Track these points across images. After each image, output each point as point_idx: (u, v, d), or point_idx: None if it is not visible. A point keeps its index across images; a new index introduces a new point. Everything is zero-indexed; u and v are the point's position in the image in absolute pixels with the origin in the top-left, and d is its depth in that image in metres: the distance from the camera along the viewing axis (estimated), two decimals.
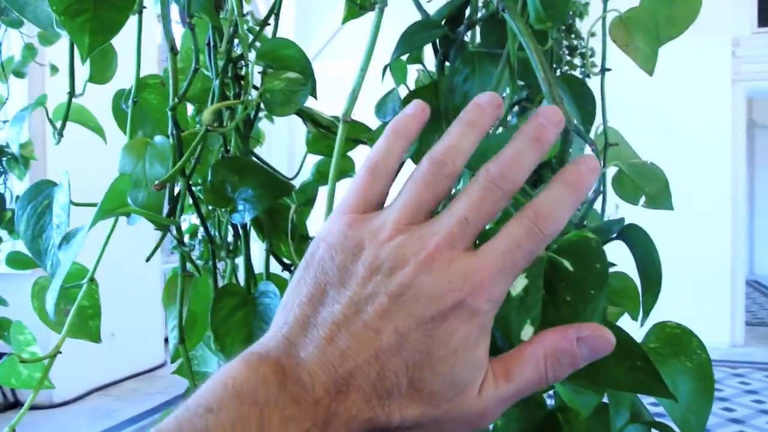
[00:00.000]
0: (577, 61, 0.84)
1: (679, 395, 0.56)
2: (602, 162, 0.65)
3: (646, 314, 0.52)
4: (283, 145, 5.07)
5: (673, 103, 5.00)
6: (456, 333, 0.29)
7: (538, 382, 0.32)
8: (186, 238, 2.03)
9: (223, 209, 0.53)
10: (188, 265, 0.63)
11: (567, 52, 0.86)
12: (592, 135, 0.67)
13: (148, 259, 0.54)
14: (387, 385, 0.29)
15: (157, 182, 0.49)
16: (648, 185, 0.64)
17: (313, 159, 0.76)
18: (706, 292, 4.88)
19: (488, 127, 0.35)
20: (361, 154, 0.76)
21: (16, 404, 3.95)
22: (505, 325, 0.35)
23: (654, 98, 4.89)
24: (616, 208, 0.71)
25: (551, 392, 0.81)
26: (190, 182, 0.58)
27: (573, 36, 0.94)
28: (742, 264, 5.28)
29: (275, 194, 0.53)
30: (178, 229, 0.54)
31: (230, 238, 0.66)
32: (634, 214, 0.62)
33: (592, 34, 0.74)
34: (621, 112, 0.70)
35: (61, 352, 0.62)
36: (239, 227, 0.61)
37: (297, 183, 0.74)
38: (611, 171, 0.67)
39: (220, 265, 0.67)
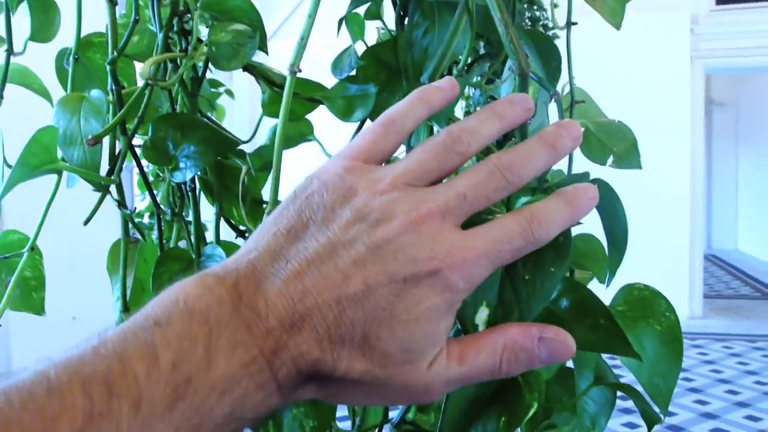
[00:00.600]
0: (539, 14, 0.82)
1: (647, 359, 0.55)
2: (569, 117, 0.63)
3: (612, 273, 0.50)
4: (244, 123, 4.98)
5: (631, 81, 5.05)
6: (424, 301, 0.29)
7: (491, 371, 0.32)
8: (146, 218, 1.98)
9: (164, 167, 0.50)
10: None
11: (528, 5, 0.83)
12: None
13: (86, 222, 0.51)
14: (341, 332, 0.28)
15: (90, 137, 0.46)
16: (616, 144, 0.62)
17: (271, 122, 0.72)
18: (665, 266, 4.97)
19: (514, 123, 0.35)
20: (319, 117, 0.73)
21: None
22: (462, 305, 0.33)
23: (612, 77, 4.93)
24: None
25: None
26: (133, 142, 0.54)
27: None
28: (700, 239, 5.39)
29: (219, 150, 0.50)
30: (119, 189, 0.50)
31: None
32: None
33: None
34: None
35: (0, 325, 0.58)
36: (187, 190, 0.57)
37: (252, 147, 0.71)
38: None
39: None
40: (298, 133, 0.71)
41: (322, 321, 0.28)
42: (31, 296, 0.62)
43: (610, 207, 0.48)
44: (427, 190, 0.31)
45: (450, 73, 0.65)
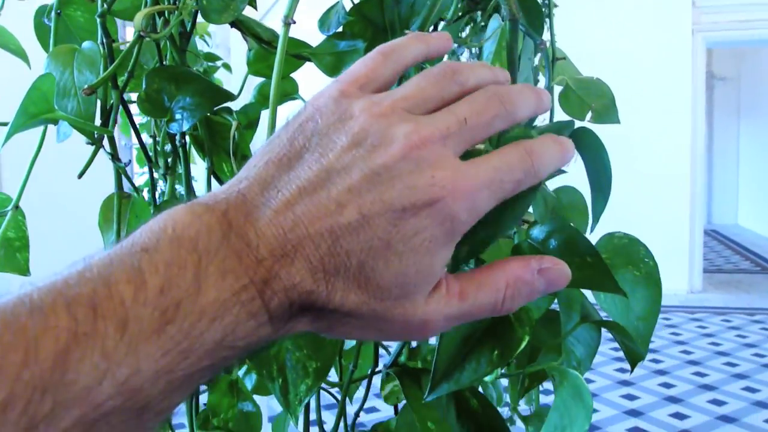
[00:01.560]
0: None
1: (629, 305, 0.56)
2: (549, 77, 0.64)
3: (596, 219, 0.51)
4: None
5: (632, 55, 5.02)
6: (422, 232, 0.28)
7: (492, 308, 0.31)
8: (145, 193, 1.98)
9: (160, 120, 0.51)
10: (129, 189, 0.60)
11: None
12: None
13: (80, 176, 0.52)
14: (336, 263, 0.27)
15: (86, 86, 0.47)
16: (594, 100, 0.63)
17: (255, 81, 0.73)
18: (665, 240, 4.98)
19: (513, 88, 0.34)
20: (305, 75, 0.74)
21: None
22: None
23: (613, 50, 4.90)
24: None
25: None
26: (123, 96, 0.55)
27: None
28: (700, 214, 5.40)
29: (214, 101, 0.51)
30: (112, 142, 0.51)
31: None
32: None
33: None
34: (580, 62, 0.69)
35: None
36: (178, 146, 0.58)
37: (238, 106, 0.72)
38: (557, 88, 0.66)
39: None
40: (283, 91, 0.72)
41: (314, 251, 0.27)
42: (15, 257, 0.62)
43: (594, 152, 0.49)
44: (427, 117, 0.30)
45: (436, 29, 0.66)
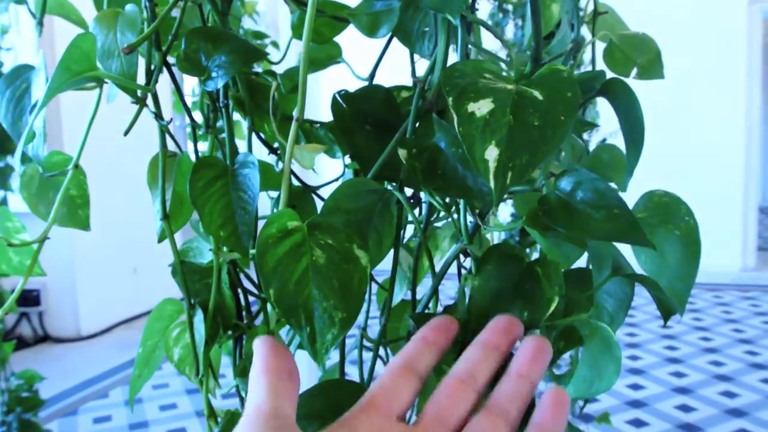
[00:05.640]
0: None
1: (667, 264, 0.56)
2: (593, 32, 0.63)
3: (629, 172, 0.51)
4: None
5: (686, 26, 4.87)
6: None
7: None
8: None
9: (198, 78, 0.52)
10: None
11: None
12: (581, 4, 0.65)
13: (125, 133, 0.54)
14: None
15: (125, 45, 0.48)
16: (639, 56, 0.62)
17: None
18: (718, 217, 4.86)
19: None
20: (346, 40, 0.75)
21: (46, 338, 4.07)
22: (469, 143, 0.34)
23: (667, 22, 4.76)
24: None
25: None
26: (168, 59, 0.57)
27: None
28: (755, 190, 5.24)
29: (248, 58, 0.52)
30: (155, 99, 0.53)
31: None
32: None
33: None
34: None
35: (48, 238, 0.62)
36: (221, 106, 0.60)
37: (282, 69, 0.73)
38: (601, 45, 0.65)
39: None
40: (327, 55, 0.73)
41: None
42: (77, 213, 0.65)
43: (627, 104, 0.48)
44: None
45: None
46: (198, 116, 0.65)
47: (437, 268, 0.57)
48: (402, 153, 0.48)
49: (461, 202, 0.50)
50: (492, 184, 0.34)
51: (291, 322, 0.45)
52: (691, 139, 4.94)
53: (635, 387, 3.17)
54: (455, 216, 0.52)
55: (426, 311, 0.54)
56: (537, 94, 0.37)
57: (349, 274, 0.45)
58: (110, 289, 4.22)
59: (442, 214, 0.66)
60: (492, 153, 0.34)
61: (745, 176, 5.07)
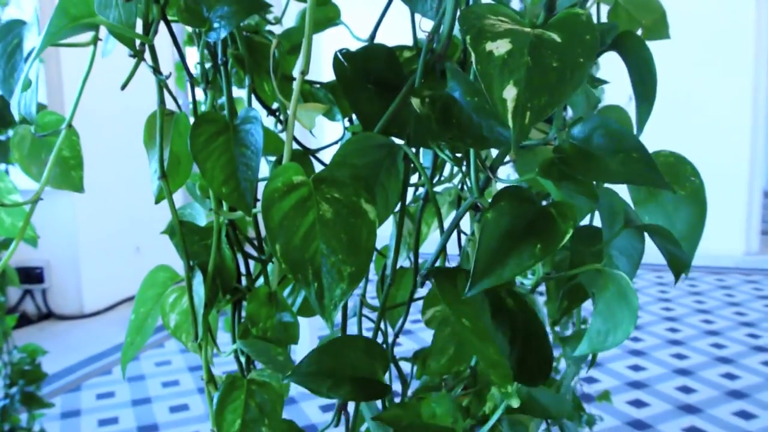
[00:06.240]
0: None
1: (674, 225, 0.55)
2: None
3: (640, 127, 0.49)
4: None
5: (693, 5, 4.82)
6: None
7: None
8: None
9: (199, 29, 0.51)
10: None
11: None
12: None
13: (122, 87, 0.52)
14: None
15: None
16: (645, 16, 0.61)
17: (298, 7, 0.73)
18: (722, 200, 4.83)
19: None
20: (344, 2, 0.73)
21: (49, 315, 4.09)
22: (488, 82, 0.34)
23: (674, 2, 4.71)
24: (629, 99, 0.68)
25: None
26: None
27: None
28: (760, 174, 5.21)
29: (249, 9, 0.51)
30: (152, 50, 0.52)
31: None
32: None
33: None
34: None
35: (42, 199, 0.61)
36: (220, 63, 0.59)
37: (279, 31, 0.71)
38: (605, 8, 0.64)
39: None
40: (325, 17, 0.71)
41: None
42: (69, 174, 0.64)
43: (640, 57, 0.47)
44: None
45: None
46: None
47: (438, 235, 0.56)
48: (415, 102, 0.47)
49: (471, 156, 0.49)
50: (510, 123, 0.33)
51: (298, 277, 0.44)
52: (696, 121, 4.90)
53: (636, 368, 3.17)
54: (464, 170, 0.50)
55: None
56: (555, 36, 0.36)
57: (357, 228, 0.44)
58: (113, 267, 4.23)
59: (444, 177, 0.65)
60: (510, 92, 0.34)
61: (750, 160, 5.04)
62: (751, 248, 5.13)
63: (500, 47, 0.37)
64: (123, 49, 0.56)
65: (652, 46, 0.73)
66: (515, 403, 0.47)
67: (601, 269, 0.44)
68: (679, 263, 0.46)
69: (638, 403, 2.77)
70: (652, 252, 0.52)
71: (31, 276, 4.04)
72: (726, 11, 4.89)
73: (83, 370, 3.29)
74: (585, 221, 0.55)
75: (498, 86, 0.34)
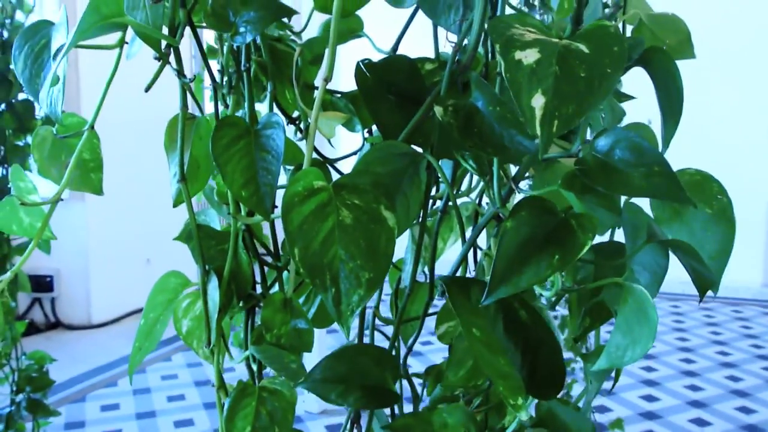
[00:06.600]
0: None
1: (702, 245, 0.54)
2: (623, 10, 0.61)
3: (666, 144, 0.49)
4: None
5: (713, 20, 4.79)
6: None
7: None
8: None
9: (225, 34, 0.51)
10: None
11: None
12: None
13: (147, 89, 0.52)
14: None
15: None
16: (669, 36, 0.60)
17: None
18: (740, 231, 4.74)
19: None
20: (366, 14, 0.73)
21: (57, 324, 4.09)
22: (516, 89, 0.34)
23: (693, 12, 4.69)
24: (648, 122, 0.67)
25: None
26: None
27: None
28: None
29: (275, 15, 0.51)
30: (177, 53, 0.52)
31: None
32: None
33: None
34: None
35: (62, 199, 0.61)
36: (243, 70, 0.59)
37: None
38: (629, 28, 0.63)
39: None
40: (348, 29, 0.71)
41: None
42: (89, 177, 0.64)
43: (667, 74, 0.47)
44: None
45: None
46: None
47: (455, 252, 0.55)
48: (438, 110, 0.47)
49: (495, 166, 0.48)
50: (538, 131, 0.33)
51: (315, 282, 0.44)
52: (714, 148, 4.87)
53: (649, 398, 3.12)
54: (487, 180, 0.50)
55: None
56: (583, 47, 0.36)
57: (376, 235, 0.44)
58: (123, 279, 4.23)
59: (463, 189, 0.65)
60: (538, 101, 0.34)
61: None
62: None
63: (529, 56, 0.37)
64: (138, 54, 0.57)
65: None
66: (524, 416, 0.46)
67: (620, 282, 0.43)
68: (704, 281, 0.45)
69: None
70: (667, 280, 0.51)
71: (41, 284, 4.06)
72: (749, 20, 4.84)
73: (89, 381, 3.29)
74: (608, 237, 0.54)
75: (526, 94, 0.35)
